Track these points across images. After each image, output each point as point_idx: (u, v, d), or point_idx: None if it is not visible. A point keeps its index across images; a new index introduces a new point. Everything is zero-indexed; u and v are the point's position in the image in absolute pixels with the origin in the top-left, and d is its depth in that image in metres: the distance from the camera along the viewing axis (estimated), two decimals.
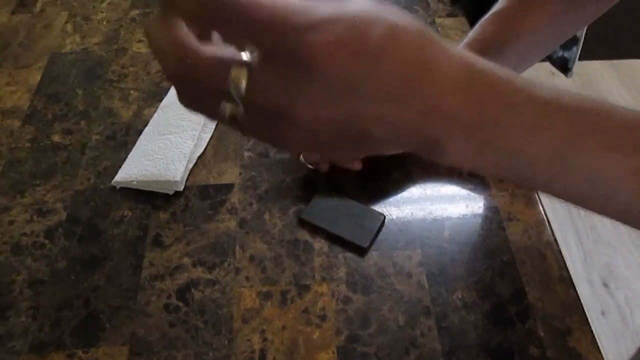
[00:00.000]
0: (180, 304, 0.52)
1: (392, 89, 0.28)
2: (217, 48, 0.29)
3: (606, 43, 0.62)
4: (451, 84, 0.29)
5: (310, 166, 0.61)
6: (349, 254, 0.54)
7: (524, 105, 0.30)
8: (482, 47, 0.60)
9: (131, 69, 0.75)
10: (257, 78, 0.28)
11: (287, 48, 0.27)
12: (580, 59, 0.88)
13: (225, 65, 0.28)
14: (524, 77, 0.30)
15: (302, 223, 0.57)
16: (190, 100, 0.31)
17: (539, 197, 0.59)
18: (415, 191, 0.60)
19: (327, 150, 0.34)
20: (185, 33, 0.28)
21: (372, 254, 0.55)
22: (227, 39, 0.29)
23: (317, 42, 0.26)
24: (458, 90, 0.29)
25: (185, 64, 0.28)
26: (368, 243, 0.54)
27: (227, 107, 0.29)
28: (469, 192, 0.60)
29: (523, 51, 0.61)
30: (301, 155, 0.60)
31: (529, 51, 0.61)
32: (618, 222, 0.33)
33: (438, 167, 0.62)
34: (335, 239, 0.55)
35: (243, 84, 0.28)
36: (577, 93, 0.30)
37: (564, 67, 0.92)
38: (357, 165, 0.60)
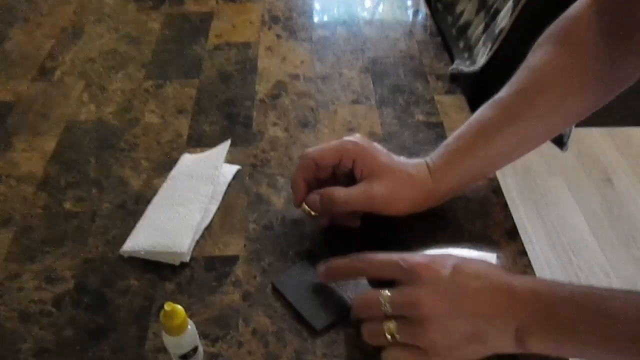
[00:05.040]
0: None
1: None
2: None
3: (603, 110, 0.66)
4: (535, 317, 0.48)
5: (313, 214, 0.64)
6: (350, 330, 0.55)
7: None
8: (481, 128, 0.64)
9: (142, 138, 0.78)
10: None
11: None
12: (576, 125, 0.91)
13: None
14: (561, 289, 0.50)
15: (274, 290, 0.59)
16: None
17: None
18: None
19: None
20: None
21: None
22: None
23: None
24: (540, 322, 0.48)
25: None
26: (321, 327, 0.55)
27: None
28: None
29: (522, 135, 0.64)
30: (304, 204, 0.63)
31: (527, 136, 0.65)
32: None
33: (438, 240, 0.64)
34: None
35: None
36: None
37: (560, 142, 0.95)
38: (356, 224, 0.64)
